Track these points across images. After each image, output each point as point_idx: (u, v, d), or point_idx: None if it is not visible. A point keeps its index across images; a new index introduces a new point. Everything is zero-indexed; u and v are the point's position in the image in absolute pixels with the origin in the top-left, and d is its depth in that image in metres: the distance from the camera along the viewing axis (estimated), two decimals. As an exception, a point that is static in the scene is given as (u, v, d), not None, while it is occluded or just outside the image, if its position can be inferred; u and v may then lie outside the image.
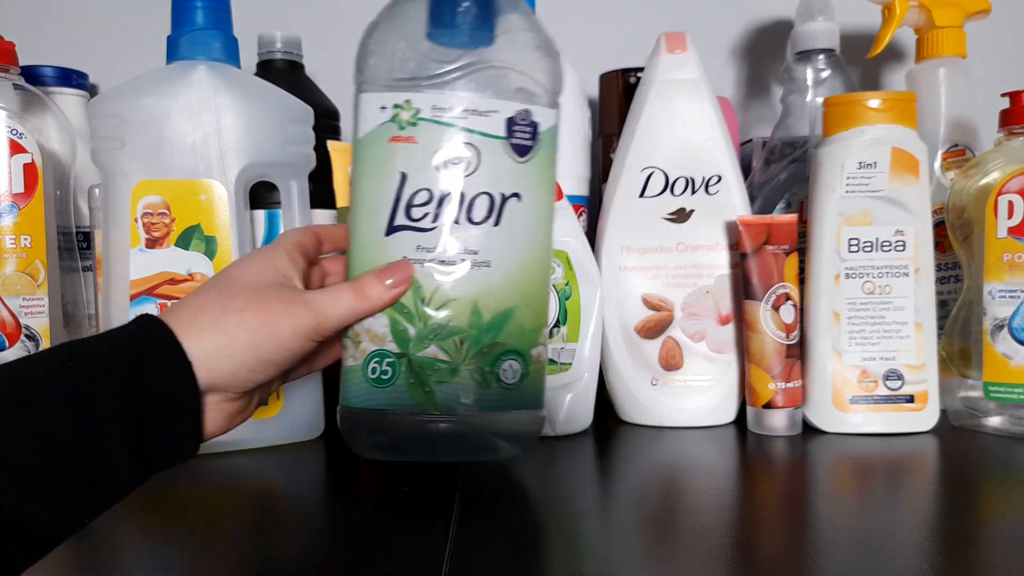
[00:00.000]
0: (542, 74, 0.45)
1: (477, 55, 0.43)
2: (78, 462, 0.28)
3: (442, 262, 0.42)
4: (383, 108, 0.43)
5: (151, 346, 0.31)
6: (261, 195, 0.58)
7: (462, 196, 0.42)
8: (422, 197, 0.42)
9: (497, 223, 0.42)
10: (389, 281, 0.39)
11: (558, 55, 0.46)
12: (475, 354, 0.42)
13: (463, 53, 0.43)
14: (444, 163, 0.42)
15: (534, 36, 0.45)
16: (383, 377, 0.43)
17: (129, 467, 0.29)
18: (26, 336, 0.53)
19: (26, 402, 0.28)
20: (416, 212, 0.42)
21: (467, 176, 0.42)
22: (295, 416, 0.53)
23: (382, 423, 0.43)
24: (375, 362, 0.43)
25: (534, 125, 0.44)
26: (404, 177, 0.42)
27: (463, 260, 0.42)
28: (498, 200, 0.42)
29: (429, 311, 0.42)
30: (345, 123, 0.67)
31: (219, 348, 0.32)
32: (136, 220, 0.50)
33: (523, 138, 0.43)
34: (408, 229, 0.42)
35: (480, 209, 0.42)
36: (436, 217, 0.42)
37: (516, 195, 0.43)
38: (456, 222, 0.42)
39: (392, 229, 0.42)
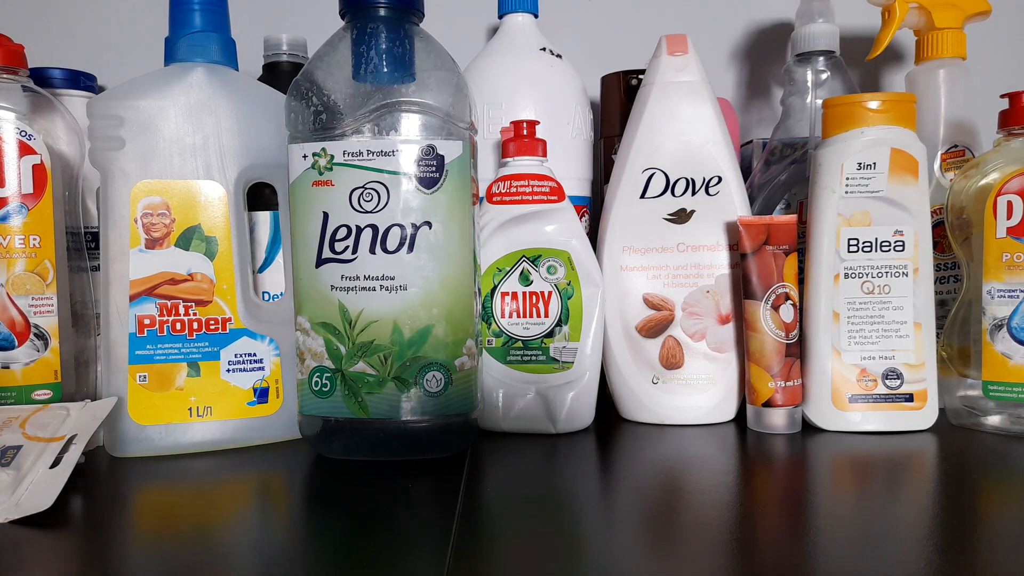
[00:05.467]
0: (450, 108, 0.48)
1: (387, 99, 0.47)
2: None
3: (363, 288, 0.47)
4: (304, 156, 0.48)
5: None
6: (265, 197, 0.59)
7: (375, 229, 0.47)
8: (342, 232, 0.47)
9: (411, 250, 0.47)
10: None
11: (467, 87, 0.49)
12: (399, 367, 0.47)
13: (374, 97, 0.47)
14: (358, 201, 0.47)
15: (445, 74, 0.49)
16: (324, 389, 0.49)
17: None
18: (35, 335, 0.53)
19: None
20: (338, 246, 0.48)
21: (378, 211, 0.47)
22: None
23: (330, 428, 0.49)
24: (317, 376, 0.49)
25: (440, 158, 0.47)
26: (326, 216, 0.48)
27: (382, 285, 0.47)
28: (409, 229, 0.47)
29: (355, 332, 0.47)
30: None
31: None
32: (136, 220, 0.51)
33: (429, 171, 0.47)
34: (333, 261, 0.48)
35: (393, 239, 0.47)
36: (355, 249, 0.47)
37: (427, 223, 0.47)
38: (372, 252, 0.47)
39: (320, 262, 0.48)
